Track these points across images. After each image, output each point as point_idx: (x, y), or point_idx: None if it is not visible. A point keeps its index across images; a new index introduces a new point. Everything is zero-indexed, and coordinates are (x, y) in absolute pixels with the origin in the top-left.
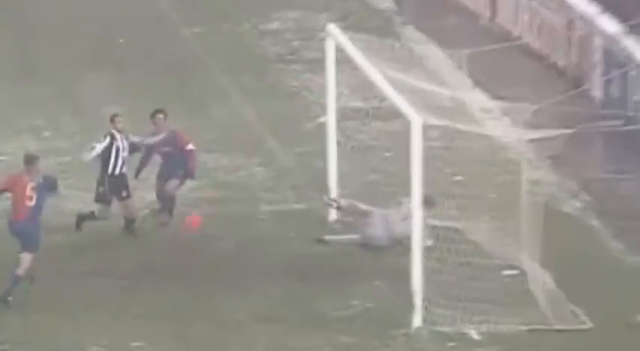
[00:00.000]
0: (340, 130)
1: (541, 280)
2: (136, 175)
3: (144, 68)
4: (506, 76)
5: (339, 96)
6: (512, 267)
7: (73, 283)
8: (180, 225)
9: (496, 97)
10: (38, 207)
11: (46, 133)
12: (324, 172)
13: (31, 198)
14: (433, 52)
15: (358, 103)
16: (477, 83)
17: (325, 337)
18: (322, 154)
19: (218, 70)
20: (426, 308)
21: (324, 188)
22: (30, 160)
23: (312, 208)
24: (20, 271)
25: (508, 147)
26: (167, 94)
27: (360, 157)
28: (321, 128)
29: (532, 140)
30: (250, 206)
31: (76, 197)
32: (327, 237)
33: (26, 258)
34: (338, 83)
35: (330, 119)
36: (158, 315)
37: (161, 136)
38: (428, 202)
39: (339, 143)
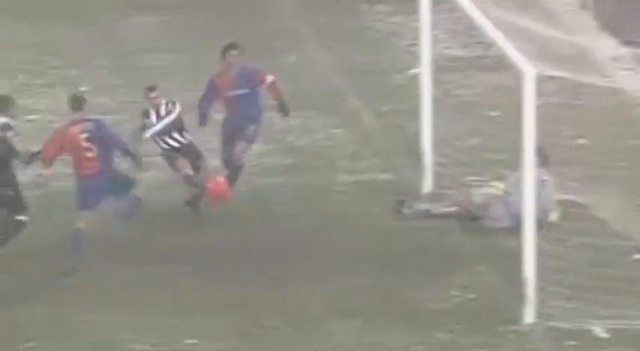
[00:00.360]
0: (436, 84)
1: None
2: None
3: (198, 9)
4: None
5: (434, 43)
6: None
7: (114, 270)
8: (206, 195)
9: (628, 42)
10: (104, 156)
11: (84, 87)
12: (416, 136)
13: (89, 149)
14: None
15: (458, 52)
16: (605, 26)
17: (417, 334)
18: (414, 114)
19: (289, 11)
20: (540, 300)
21: (416, 154)
22: (76, 102)
23: (401, 177)
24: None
25: None
26: (226, 40)
27: (461, 116)
28: (413, 82)
29: None
30: (328, 176)
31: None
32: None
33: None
34: (433, 27)
35: (424, 71)
36: (216, 307)
37: (174, 115)
38: (539, 156)
39: (434, 100)
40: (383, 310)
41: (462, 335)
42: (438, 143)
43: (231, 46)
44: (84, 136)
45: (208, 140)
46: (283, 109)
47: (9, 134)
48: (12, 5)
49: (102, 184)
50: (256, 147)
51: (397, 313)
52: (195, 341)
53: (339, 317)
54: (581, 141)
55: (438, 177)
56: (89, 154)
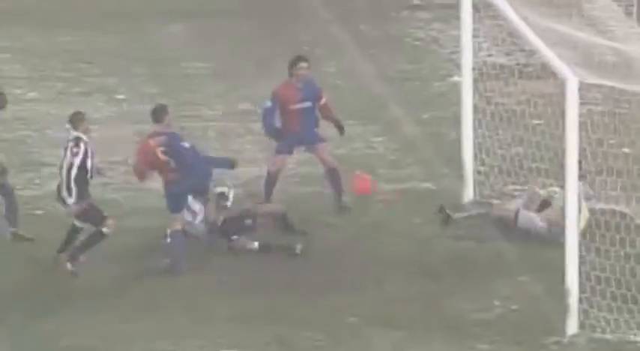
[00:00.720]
0: (478, 92)
1: None
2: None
3: (234, 16)
4: None
5: (476, 50)
6: None
7: (149, 278)
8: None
9: None
10: (183, 166)
11: (120, 95)
12: (457, 144)
13: (167, 162)
14: None
15: (500, 59)
16: None
17: (458, 345)
18: (455, 122)
19: (330, 18)
20: (583, 311)
21: (457, 163)
22: (156, 114)
23: (443, 187)
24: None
25: None
26: (265, 47)
27: (503, 125)
28: (455, 90)
29: None
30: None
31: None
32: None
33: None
34: (475, 35)
35: (466, 79)
36: (255, 317)
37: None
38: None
39: (476, 108)
40: (423, 320)
41: (504, 346)
42: (479, 152)
43: (301, 58)
44: (161, 149)
45: (246, 149)
46: (340, 128)
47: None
48: (50, 14)
49: (186, 189)
50: (296, 156)
51: (437, 323)
52: None
53: (378, 327)
54: (625, 150)
55: (479, 186)
56: (169, 166)
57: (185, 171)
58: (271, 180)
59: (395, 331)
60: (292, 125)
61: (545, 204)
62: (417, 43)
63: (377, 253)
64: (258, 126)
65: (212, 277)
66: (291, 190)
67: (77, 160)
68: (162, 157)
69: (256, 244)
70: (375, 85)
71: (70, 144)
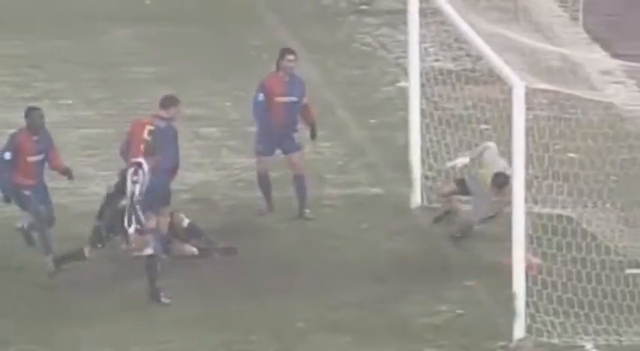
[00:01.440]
0: (425, 97)
1: None
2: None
3: (184, 21)
4: (633, 29)
5: (423, 56)
6: (638, 264)
7: (94, 284)
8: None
9: (619, 55)
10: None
11: (68, 100)
12: (405, 149)
13: (147, 143)
14: (541, 1)
15: (447, 65)
16: (596, 39)
17: (405, 349)
18: (403, 127)
19: (277, 23)
20: (530, 315)
21: (404, 168)
22: (166, 100)
23: (390, 192)
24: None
25: (633, 117)
26: (212, 52)
27: (450, 129)
28: (402, 95)
29: None
30: (315, 190)
31: (99, 178)
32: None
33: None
34: (422, 40)
35: (413, 84)
36: (200, 321)
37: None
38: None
39: (423, 113)
40: (370, 325)
41: (450, 350)
42: (427, 157)
43: (288, 51)
44: (149, 128)
45: (193, 154)
46: (313, 133)
47: None
48: None
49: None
50: (242, 160)
51: (385, 328)
52: None
53: (325, 332)
54: (570, 155)
55: (427, 191)
56: (149, 149)
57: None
58: (263, 182)
59: (342, 336)
60: (278, 118)
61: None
62: (364, 48)
63: (325, 258)
64: (205, 131)
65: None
66: (237, 195)
67: (137, 189)
68: (146, 136)
69: (195, 249)
70: (322, 90)
71: (131, 170)
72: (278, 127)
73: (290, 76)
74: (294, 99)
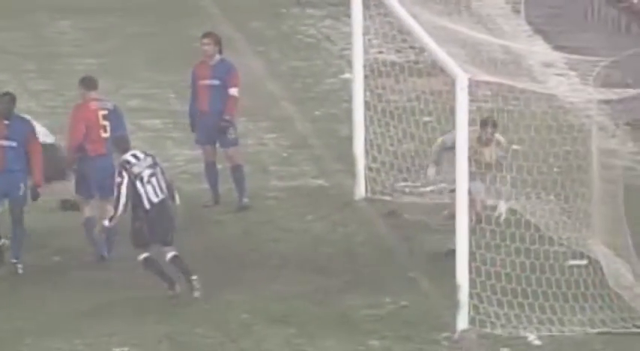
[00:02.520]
0: (369, 89)
1: (618, 271)
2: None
3: (125, 13)
4: (574, 22)
5: (367, 47)
6: (580, 255)
7: (39, 275)
8: None
9: (561, 47)
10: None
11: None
12: (349, 141)
13: (104, 128)
14: None
15: (391, 56)
16: (538, 31)
17: (350, 341)
18: (347, 119)
19: (221, 16)
20: (473, 306)
21: (348, 159)
22: (92, 81)
23: (335, 183)
24: (108, 223)
25: (575, 109)
26: (155, 43)
27: (394, 121)
28: (346, 87)
29: (605, 101)
30: (259, 182)
31: None
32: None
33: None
34: (366, 32)
35: (357, 76)
36: (145, 314)
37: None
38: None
39: (367, 105)
40: (314, 317)
41: (395, 342)
42: (371, 148)
43: (204, 34)
44: (102, 113)
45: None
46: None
47: None
48: None
49: (108, 165)
50: (186, 152)
51: (329, 319)
52: (125, 349)
53: (270, 324)
54: (514, 146)
55: (371, 182)
56: (103, 134)
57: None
58: (207, 172)
59: (287, 328)
60: (201, 103)
61: None
62: (308, 40)
63: (269, 249)
64: (148, 122)
65: (103, 274)
66: (181, 187)
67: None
68: (102, 121)
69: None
70: (266, 82)
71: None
72: (205, 114)
73: (216, 62)
74: (215, 82)
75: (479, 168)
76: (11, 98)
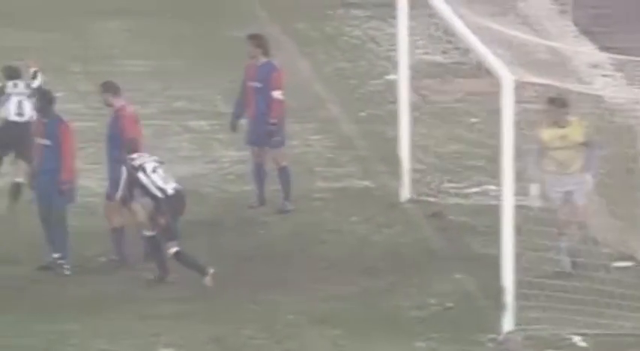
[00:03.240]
0: (414, 90)
1: None
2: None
3: (173, 15)
4: (621, 23)
5: (412, 48)
6: (627, 257)
7: (84, 276)
8: None
9: (607, 48)
10: None
11: (58, 93)
12: (394, 142)
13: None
14: None
15: (436, 58)
16: (584, 32)
17: (395, 342)
18: (392, 120)
19: (267, 18)
20: (519, 308)
21: (393, 161)
22: (117, 86)
23: (380, 185)
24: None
25: (622, 110)
26: (202, 45)
27: (439, 122)
28: (391, 88)
29: None
30: (305, 183)
31: (88, 172)
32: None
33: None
34: (411, 33)
35: (402, 77)
36: (191, 315)
37: None
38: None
39: (413, 106)
40: (360, 318)
41: (440, 343)
42: (416, 150)
43: (248, 36)
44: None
45: (183, 147)
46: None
47: None
48: None
49: None
50: (232, 153)
51: (374, 321)
52: (171, 350)
53: (315, 325)
54: None
55: (416, 184)
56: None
57: None
58: (254, 173)
59: (332, 329)
60: (248, 104)
61: None
62: (353, 41)
63: (314, 251)
64: (194, 124)
65: (150, 275)
66: (227, 188)
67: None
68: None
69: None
70: (312, 84)
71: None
72: (252, 116)
73: (262, 63)
74: (259, 85)
75: (562, 165)
76: (50, 97)
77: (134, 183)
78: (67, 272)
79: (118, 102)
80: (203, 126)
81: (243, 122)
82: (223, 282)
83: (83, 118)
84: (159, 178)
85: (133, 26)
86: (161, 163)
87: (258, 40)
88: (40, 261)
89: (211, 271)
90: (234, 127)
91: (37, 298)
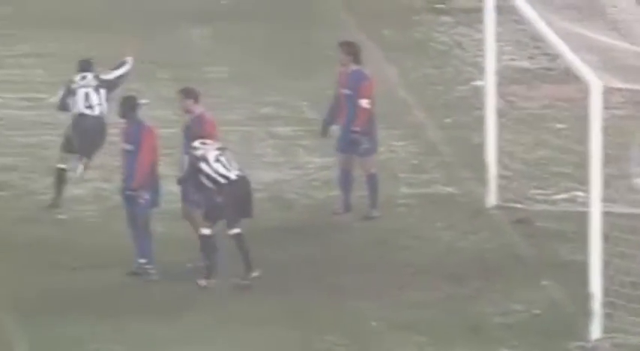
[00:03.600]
0: (501, 96)
1: None
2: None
3: (259, 20)
4: None
5: (499, 54)
6: None
7: (170, 282)
8: None
9: None
10: None
11: (145, 100)
12: (479, 148)
13: None
14: None
15: (523, 63)
16: None
17: (481, 349)
18: (478, 126)
19: (354, 23)
20: (607, 315)
21: (479, 167)
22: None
23: (465, 191)
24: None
25: None
26: (288, 51)
27: (526, 128)
28: (478, 94)
29: None
30: (389, 189)
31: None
32: None
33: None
34: (498, 38)
35: (489, 83)
36: (276, 320)
37: None
38: None
39: (499, 112)
40: (445, 324)
41: (525, 350)
42: (502, 156)
43: (339, 43)
44: None
45: (268, 153)
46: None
47: None
48: (74, 18)
49: None
50: (317, 160)
51: (460, 327)
52: None
53: (400, 331)
54: None
55: (502, 190)
56: None
57: None
58: (341, 179)
59: (417, 335)
60: (340, 111)
61: None
62: (440, 47)
63: (399, 257)
64: (279, 130)
65: (234, 280)
66: (312, 194)
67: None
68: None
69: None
70: (398, 89)
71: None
72: (342, 123)
73: (352, 71)
74: (348, 92)
75: None
76: (133, 103)
77: (197, 172)
78: (154, 277)
79: (198, 108)
80: (288, 132)
81: (335, 128)
82: (308, 288)
83: (170, 125)
84: (221, 166)
85: (218, 32)
86: (223, 149)
87: (349, 48)
88: (129, 266)
89: (207, 284)
90: (324, 133)
91: (124, 303)
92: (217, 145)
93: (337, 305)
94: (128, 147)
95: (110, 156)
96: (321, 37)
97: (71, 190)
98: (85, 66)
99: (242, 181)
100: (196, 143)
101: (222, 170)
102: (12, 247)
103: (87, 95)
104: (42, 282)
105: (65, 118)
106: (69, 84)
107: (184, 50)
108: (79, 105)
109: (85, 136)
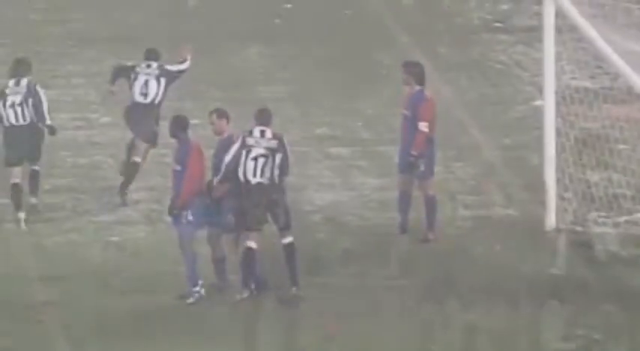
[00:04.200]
0: (561, 115)
1: None
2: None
3: (311, 40)
4: None
5: (559, 73)
6: None
7: (210, 305)
8: None
9: None
10: None
11: (196, 120)
12: (538, 169)
13: None
14: None
15: (584, 83)
16: None
17: None
18: (537, 146)
19: (409, 42)
20: None
21: (538, 188)
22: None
23: (523, 213)
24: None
25: None
26: (343, 71)
27: (587, 149)
28: (537, 114)
29: None
30: (447, 210)
31: None
32: None
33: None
34: (558, 58)
35: (549, 102)
36: (330, 343)
37: None
38: None
39: (558, 132)
40: (502, 348)
41: None
42: (562, 177)
43: (403, 63)
44: None
45: (324, 175)
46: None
47: None
48: (122, 37)
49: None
50: (373, 181)
51: None
52: None
53: None
54: None
55: (562, 212)
56: None
57: None
58: (399, 200)
59: None
60: (403, 130)
61: None
62: (498, 66)
63: (456, 280)
64: (334, 151)
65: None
66: (368, 216)
67: None
68: None
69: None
70: (455, 109)
71: None
72: (403, 144)
73: (414, 92)
74: (408, 113)
75: None
76: (184, 123)
77: (236, 158)
78: (198, 299)
79: (229, 130)
80: (343, 152)
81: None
82: (364, 310)
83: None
84: (251, 168)
85: (272, 51)
86: (266, 156)
87: (412, 68)
88: (181, 289)
89: (245, 295)
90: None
91: (172, 326)
92: (272, 143)
93: (392, 328)
94: (177, 167)
95: (161, 177)
96: (376, 56)
97: (123, 212)
98: (151, 55)
99: (261, 189)
100: (256, 131)
101: (248, 173)
102: (63, 269)
103: (146, 83)
104: (94, 305)
105: (121, 138)
106: (131, 69)
107: (237, 70)
108: (135, 92)
109: (137, 123)
